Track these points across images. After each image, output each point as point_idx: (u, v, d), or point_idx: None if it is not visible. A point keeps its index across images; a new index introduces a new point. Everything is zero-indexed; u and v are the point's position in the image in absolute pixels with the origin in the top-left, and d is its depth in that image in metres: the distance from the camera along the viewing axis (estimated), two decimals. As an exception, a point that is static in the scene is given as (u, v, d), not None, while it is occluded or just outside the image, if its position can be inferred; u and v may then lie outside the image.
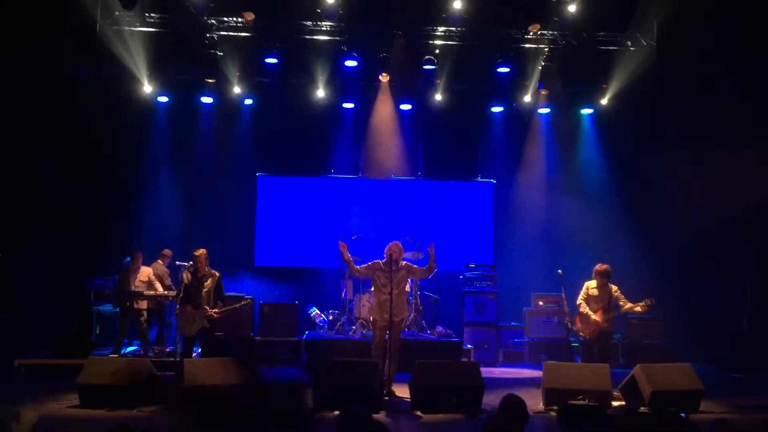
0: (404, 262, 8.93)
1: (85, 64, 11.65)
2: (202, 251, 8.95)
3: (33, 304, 10.46)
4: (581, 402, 7.31)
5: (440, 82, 12.67)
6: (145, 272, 10.89)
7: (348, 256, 8.77)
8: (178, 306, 9.01)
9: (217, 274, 9.02)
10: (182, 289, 8.94)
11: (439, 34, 12.06)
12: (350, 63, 12.15)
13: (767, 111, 10.64)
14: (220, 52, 11.93)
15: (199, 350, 10.81)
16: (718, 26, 10.58)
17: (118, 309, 10.88)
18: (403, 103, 13.17)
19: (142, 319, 10.82)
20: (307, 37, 12.02)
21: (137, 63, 11.96)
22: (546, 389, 8.00)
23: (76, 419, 7.09)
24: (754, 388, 9.96)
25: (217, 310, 8.81)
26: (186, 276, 8.95)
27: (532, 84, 12.68)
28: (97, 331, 11.25)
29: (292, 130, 13.00)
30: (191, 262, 9.05)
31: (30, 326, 10.37)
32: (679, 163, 11.52)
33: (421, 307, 11.50)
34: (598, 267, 9.56)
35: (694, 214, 11.24)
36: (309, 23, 11.89)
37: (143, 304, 10.80)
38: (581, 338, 9.55)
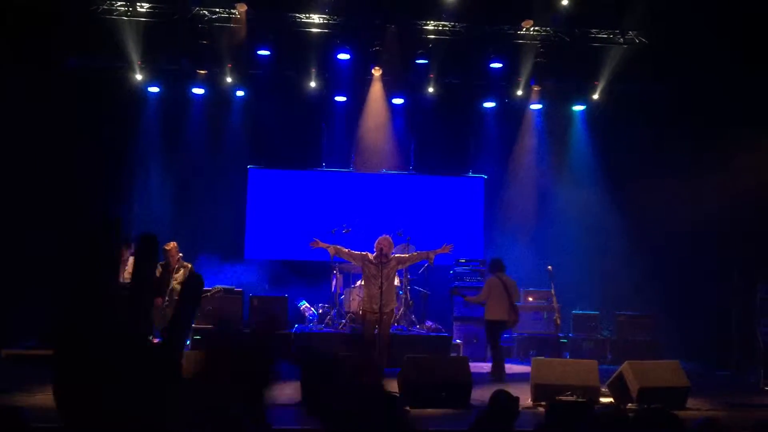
0: (394, 255, 8.94)
1: (76, 53, 11.56)
2: (172, 244, 8.96)
3: (20, 294, 10.39)
4: (569, 398, 7.34)
5: (433, 77, 12.67)
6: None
7: (328, 245, 8.84)
8: None
9: (189, 265, 9.05)
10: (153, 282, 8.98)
11: (431, 28, 12.04)
12: (343, 56, 12.11)
13: (758, 110, 10.67)
14: (211, 43, 11.87)
15: (188, 342, 10.78)
16: (710, 23, 10.59)
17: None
18: (396, 97, 13.14)
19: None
20: (300, 29, 11.98)
21: (128, 53, 11.87)
22: (534, 385, 8.03)
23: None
24: (741, 385, 10.02)
25: None
26: (157, 269, 8.97)
27: (524, 80, 12.70)
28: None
29: (283, 123, 12.95)
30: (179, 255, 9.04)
31: (17, 316, 10.30)
32: (672, 160, 11.56)
33: (410, 302, 11.50)
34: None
35: (684, 212, 11.28)
36: (302, 15, 11.85)
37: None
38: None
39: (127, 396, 0.81)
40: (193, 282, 0.89)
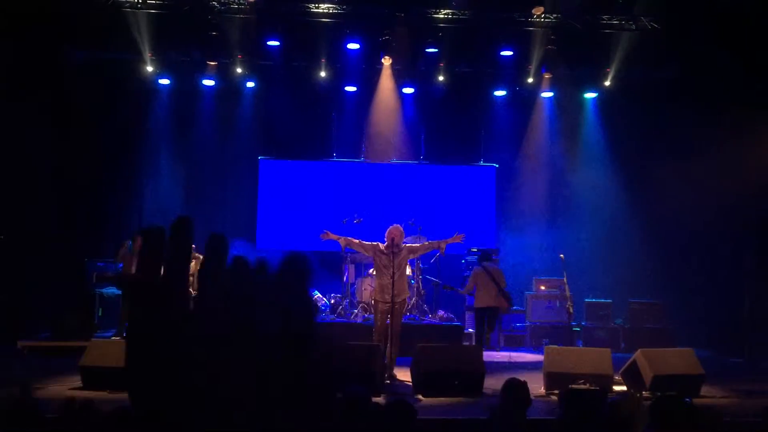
0: (405, 245, 8.92)
1: (86, 45, 11.61)
2: None
3: (35, 285, 10.48)
4: (582, 386, 7.33)
5: (443, 66, 12.62)
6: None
7: (339, 237, 8.86)
8: None
9: (201, 257, 9.02)
10: None
11: (441, 16, 11.98)
12: (352, 46, 12.08)
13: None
14: (221, 34, 11.87)
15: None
16: (723, 8, 10.48)
17: (121, 291, 10.93)
18: (406, 87, 13.10)
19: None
20: (309, 19, 11.95)
21: (139, 45, 11.90)
22: (547, 373, 8.02)
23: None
24: (755, 373, 9.98)
25: None
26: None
27: (535, 67, 12.63)
28: (100, 314, 11.27)
29: (294, 114, 12.95)
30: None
31: (32, 308, 10.40)
32: (684, 148, 11.48)
33: (422, 291, 11.50)
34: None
35: (697, 199, 11.22)
36: (311, 5, 11.81)
37: (145, 287, 10.78)
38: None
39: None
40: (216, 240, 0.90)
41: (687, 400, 3.95)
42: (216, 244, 0.93)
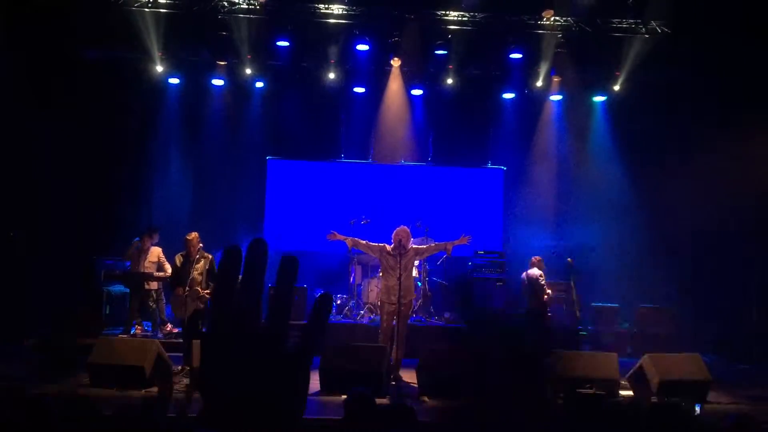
0: (412, 246, 8.92)
1: (97, 45, 11.66)
2: (194, 234, 8.97)
3: (43, 283, 10.52)
4: (589, 390, 7.31)
5: (452, 68, 12.61)
6: (155, 253, 10.89)
7: (345, 237, 8.86)
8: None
9: (210, 256, 9.04)
10: (173, 271, 9.06)
11: (451, 18, 11.98)
12: (362, 47, 12.09)
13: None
14: (231, 34, 11.90)
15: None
16: (732, 12, 10.45)
17: (129, 289, 10.99)
18: (415, 89, 13.11)
19: (151, 300, 10.86)
20: (319, 20, 11.97)
21: (149, 44, 11.95)
22: (554, 377, 7.99)
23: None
24: (762, 378, 9.92)
25: (209, 291, 8.83)
26: (177, 259, 9.02)
27: (545, 70, 12.61)
28: (107, 311, 11.31)
29: (302, 114, 12.97)
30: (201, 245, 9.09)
31: (40, 305, 10.43)
32: (693, 153, 11.43)
33: (429, 293, 11.50)
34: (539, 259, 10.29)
35: (706, 205, 11.17)
36: (321, 6, 11.83)
37: (153, 285, 10.84)
38: None
39: (261, 388, 0.87)
40: (288, 265, 0.91)
41: (698, 406, 3.93)
42: (289, 267, 0.93)
